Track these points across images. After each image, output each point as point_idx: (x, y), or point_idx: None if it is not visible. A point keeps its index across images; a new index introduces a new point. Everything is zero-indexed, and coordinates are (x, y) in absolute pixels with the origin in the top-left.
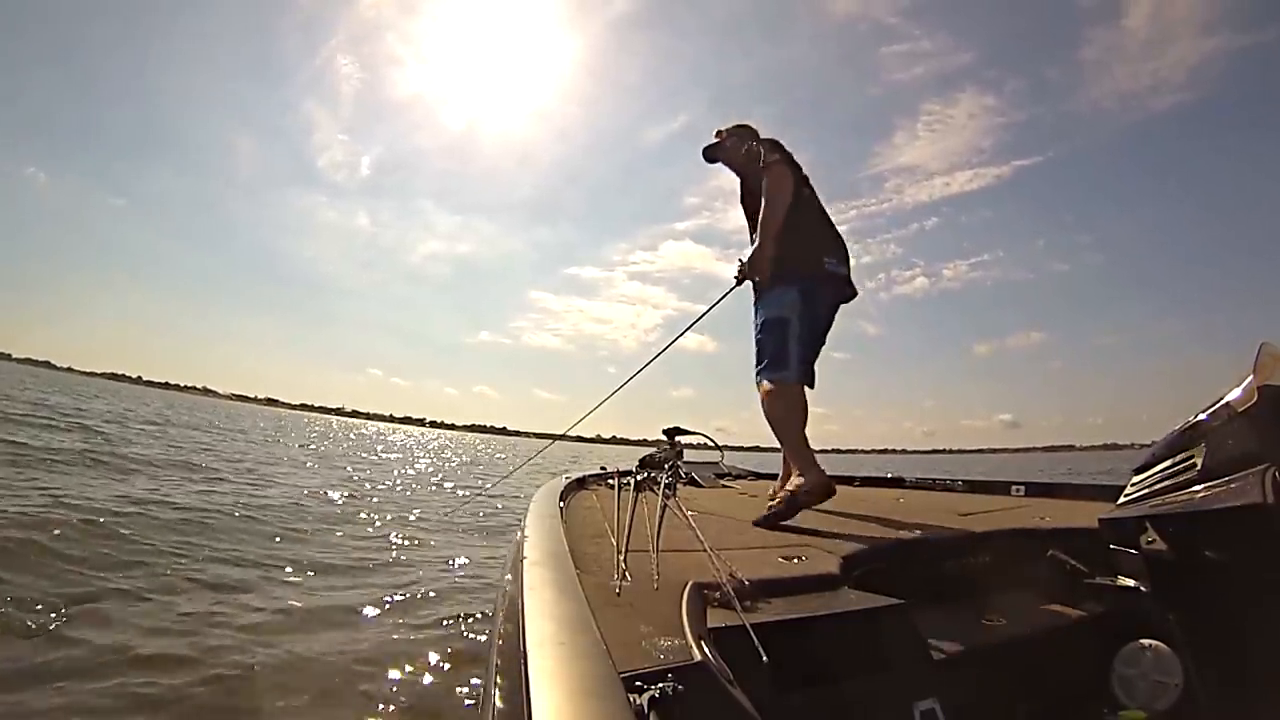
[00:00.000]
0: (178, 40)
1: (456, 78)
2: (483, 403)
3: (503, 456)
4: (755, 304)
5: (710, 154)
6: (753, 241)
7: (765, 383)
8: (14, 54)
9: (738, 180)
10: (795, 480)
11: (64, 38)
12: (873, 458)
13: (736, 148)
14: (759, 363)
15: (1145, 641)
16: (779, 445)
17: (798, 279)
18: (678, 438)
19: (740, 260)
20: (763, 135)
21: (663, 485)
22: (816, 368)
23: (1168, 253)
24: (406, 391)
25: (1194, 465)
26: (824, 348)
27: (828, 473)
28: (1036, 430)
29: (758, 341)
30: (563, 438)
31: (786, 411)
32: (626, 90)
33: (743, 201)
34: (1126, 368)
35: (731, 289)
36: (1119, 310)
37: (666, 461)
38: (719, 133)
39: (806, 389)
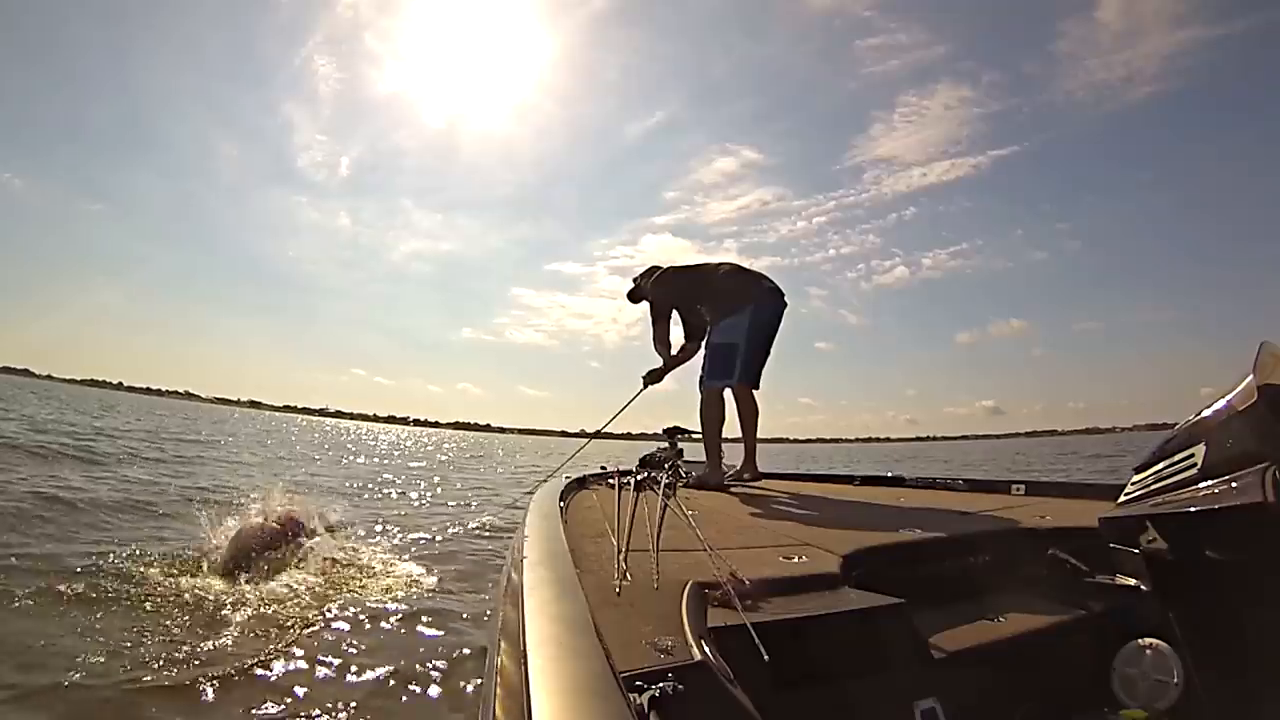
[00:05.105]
0: (156, 42)
1: (435, 76)
2: (466, 400)
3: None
4: (711, 326)
5: (633, 296)
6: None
7: (707, 387)
8: None
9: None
10: (712, 469)
11: (39, 40)
12: (858, 447)
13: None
14: (705, 373)
15: (1145, 641)
16: (754, 440)
17: (749, 307)
18: (677, 437)
19: (644, 375)
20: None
21: (663, 485)
22: (766, 370)
23: (1145, 241)
24: (390, 390)
25: (1194, 464)
26: (808, 343)
27: (822, 470)
28: (1019, 416)
29: (709, 357)
30: (597, 436)
31: (716, 413)
32: (606, 86)
33: (683, 320)
34: (1106, 354)
35: (639, 393)
36: (1098, 298)
37: (666, 461)
38: (635, 279)
39: (754, 391)
